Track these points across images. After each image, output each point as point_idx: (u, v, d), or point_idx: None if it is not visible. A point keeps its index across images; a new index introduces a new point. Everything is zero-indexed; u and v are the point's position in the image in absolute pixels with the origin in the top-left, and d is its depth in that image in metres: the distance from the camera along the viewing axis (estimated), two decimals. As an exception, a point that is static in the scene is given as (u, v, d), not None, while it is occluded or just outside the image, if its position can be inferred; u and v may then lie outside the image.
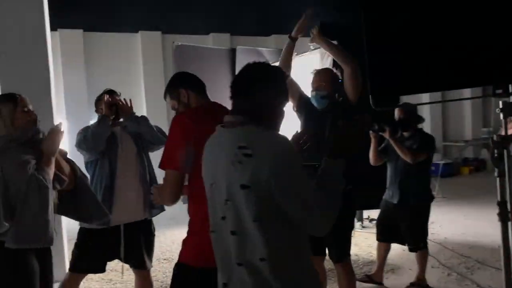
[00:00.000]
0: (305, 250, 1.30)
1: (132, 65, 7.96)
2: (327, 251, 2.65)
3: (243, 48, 6.37)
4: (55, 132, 1.95)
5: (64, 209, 2.09)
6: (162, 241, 5.17)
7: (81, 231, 2.57)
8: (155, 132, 2.70)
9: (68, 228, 3.78)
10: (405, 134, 3.36)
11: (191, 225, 1.79)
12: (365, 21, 1.41)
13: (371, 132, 3.29)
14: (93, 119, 2.79)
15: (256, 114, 1.24)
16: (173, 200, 1.73)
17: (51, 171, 1.89)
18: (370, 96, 1.39)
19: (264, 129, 1.23)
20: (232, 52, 6.21)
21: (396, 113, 3.38)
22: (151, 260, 2.81)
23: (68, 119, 7.32)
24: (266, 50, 6.14)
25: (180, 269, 1.76)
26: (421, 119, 3.52)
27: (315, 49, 3.48)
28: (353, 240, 4.61)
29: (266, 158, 1.15)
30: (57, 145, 1.94)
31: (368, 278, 3.62)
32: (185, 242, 1.81)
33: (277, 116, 1.33)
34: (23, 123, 1.92)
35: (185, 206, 1.83)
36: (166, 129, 2.19)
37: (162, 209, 2.76)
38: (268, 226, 1.18)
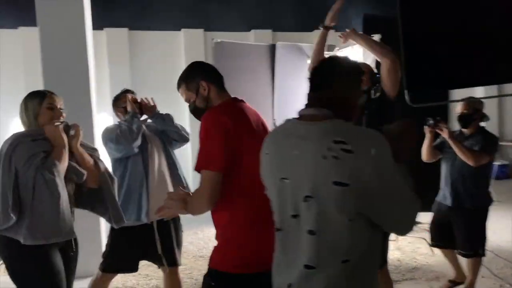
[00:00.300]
0: (378, 255, 1.30)
1: (174, 63, 8.06)
2: None
3: (283, 44, 6.25)
4: (69, 128, 1.98)
5: (83, 203, 2.11)
6: (200, 238, 5.18)
7: (113, 230, 2.58)
8: (179, 129, 2.73)
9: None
10: (465, 131, 3.13)
11: (224, 231, 1.67)
12: (402, 12, 1.30)
13: (425, 126, 3.10)
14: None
15: (338, 108, 1.19)
16: (213, 205, 1.57)
17: (63, 163, 1.90)
18: (405, 91, 1.28)
19: (353, 124, 1.20)
20: (272, 48, 6.11)
21: (459, 107, 3.14)
22: (180, 256, 2.80)
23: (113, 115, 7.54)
24: (308, 46, 5.99)
25: (217, 277, 1.65)
26: (485, 117, 3.23)
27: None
28: (396, 245, 4.41)
29: (368, 156, 1.10)
30: (59, 138, 1.94)
31: (452, 284, 3.40)
32: (220, 249, 1.69)
33: (356, 110, 1.31)
34: (46, 120, 1.94)
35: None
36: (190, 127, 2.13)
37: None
38: (359, 227, 1.14)
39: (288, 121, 1.27)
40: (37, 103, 1.95)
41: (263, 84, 6.15)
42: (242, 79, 5.91)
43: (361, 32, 2.48)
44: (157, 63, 7.93)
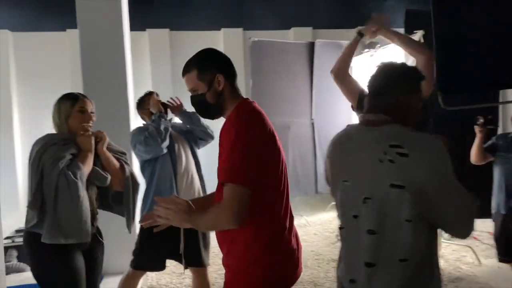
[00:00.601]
0: (436, 255, 1.32)
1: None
2: None
3: (322, 42, 6.12)
4: (94, 133, 2.01)
5: (108, 205, 2.14)
6: (235, 238, 5.17)
7: (141, 229, 2.61)
8: (206, 127, 2.72)
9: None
10: None
11: (247, 250, 1.46)
12: (435, 12, 1.23)
13: (476, 126, 2.94)
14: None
15: (398, 113, 1.25)
16: (239, 224, 1.36)
17: (87, 167, 1.93)
18: (438, 93, 1.22)
19: (412, 129, 1.24)
20: (311, 46, 6.00)
21: None
22: (208, 258, 2.77)
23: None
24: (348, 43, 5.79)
25: None
26: None
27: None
28: (438, 252, 4.17)
29: (423, 159, 1.15)
30: (89, 143, 1.99)
31: None
32: (239, 270, 1.50)
33: (417, 115, 1.34)
34: (76, 123, 1.99)
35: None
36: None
37: None
38: (418, 228, 1.19)
39: (349, 126, 1.34)
40: (69, 106, 2.00)
41: (301, 83, 6.05)
42: (279, 78, 5.85)
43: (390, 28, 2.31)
44: (197, 63, 8.01)
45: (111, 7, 3.65)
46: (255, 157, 1.38)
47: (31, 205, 1.82)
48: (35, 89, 7.28)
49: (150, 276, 3.87)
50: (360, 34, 2.35)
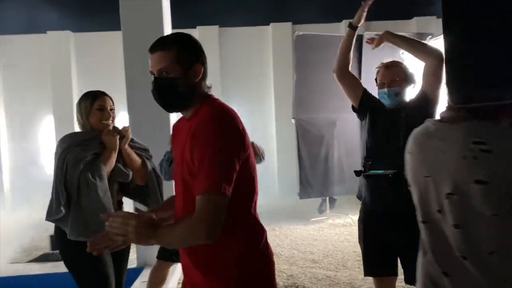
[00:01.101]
0: None
1: (262, 58, 8.13)
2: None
3: (371, 34, 5.88)
4: (120, 131, 2.08)
5: (130, 195, 2.21)
6: (276, 235, 5.16)
7: None
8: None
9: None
10: None
11: (237, 263, 1.31)
12: (444, 8, 1.15)
13: None
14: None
15: (476, 109, 1.24)
16: (215, 238, 1.19)
17: (109, 166, 2.00)
18: (447, 90, 1.15)
19: (494, 125, 1.24)
20: (359, 38, 5.78)
21: None
22: None
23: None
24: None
25: None
26: None
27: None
28: None
29: (508, 155, 1.16)
30: (114, 142, 2.04)
31: None
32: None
33: (503, 109, 1.28)
34: (96, 120, 2.06)
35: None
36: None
37: None
38: (505, 221, 1.19)
39: (428, 122, 1.34)
40: (89, 104, 2.07)
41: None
42: (324, 72, 5.66)
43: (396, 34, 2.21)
44: (245, 59, 8.06)
45: (152, 7, 3.75)
46: (237, 161, 1.24)
47: (57, 204, 1.92)
48: (94, 87, 7.71)
49: (178, 272, 3.96)
50: (353, 27, 2.25)
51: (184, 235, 1.22)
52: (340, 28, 8.23)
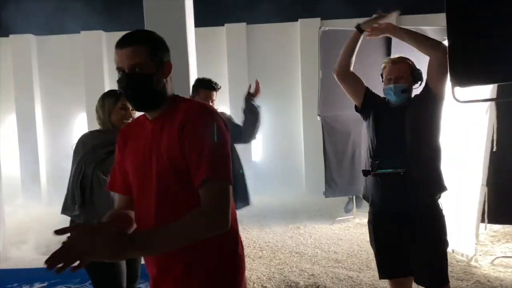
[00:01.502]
0: None
1: (290, 54, 8.06)
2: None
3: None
4: None
5: None
6: (301, 233, 5.12)
7: None
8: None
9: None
10: None
11: (219, 257, 1.29)
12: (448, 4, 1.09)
13: None
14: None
15: None
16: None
17: None
18: (452, 87, 1.09)
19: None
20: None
21: None
22: None
23: (231, 109, 7.91)
24: (430, 29, 5.34)
25: None
26: None
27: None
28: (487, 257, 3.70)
29: None
30: None
31: None
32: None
33: None
34: (118, 118, 2.12)
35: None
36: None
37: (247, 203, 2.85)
38: None
39: None
40: (113, 102, 2.14)
41: (376, 71, 5.68)
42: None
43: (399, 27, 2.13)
44: (273, 56, 8.02)
45: (175, 7, 3.79)
46: (229, 154, 1.24)
47: (71, 201, 1.98)
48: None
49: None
50: (360, 30, 2.21)
51: (198, 228, 1.14)
52: None
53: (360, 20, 2.21)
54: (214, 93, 2.78)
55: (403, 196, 2.06)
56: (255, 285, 3.51)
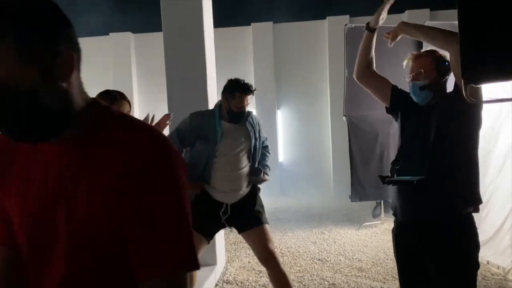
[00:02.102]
0: None
1: (318, 53, 7.86)
2: None
3: (438, 24, 5.38)
4: (160, 125, 1.98)
5: None
6: (325, 239, 4.93)
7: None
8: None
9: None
10: None
11: None
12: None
13: None
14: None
15: None
16: None
17: None
18: (463, 84, 0.94)
19: None
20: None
21: None
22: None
23: (256, 107, 7.80)
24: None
25: None
26: None
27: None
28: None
29: None
30: None
31: None
32: None
33: None
34: None
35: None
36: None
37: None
38: None
39: None
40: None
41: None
42: (380, 68, 5.31)
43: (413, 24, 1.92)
44: (300, 55, 7.85)
45: (193, 7, 3.72)
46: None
47: None
48: (153, 86, 7.96)
49: (228, 271, 3.89)
50: (370, 29, 2.02)
51: None
52: (402, 19, 7.73)
53: (392, 17, 2.05)
54: (250, 97, 2.68)
55: (420, 205, 1.86)
56: (272, 293, 3.37)
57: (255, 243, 2.73)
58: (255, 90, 2.69)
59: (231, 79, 2.69)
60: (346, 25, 5.25)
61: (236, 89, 2.62)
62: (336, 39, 7.62)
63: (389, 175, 1.95)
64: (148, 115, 2.03)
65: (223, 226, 2.79)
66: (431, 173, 1.80)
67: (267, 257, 2.65)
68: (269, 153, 2.99)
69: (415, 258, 1.95)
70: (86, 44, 8.40)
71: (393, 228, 2.07)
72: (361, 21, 6.33)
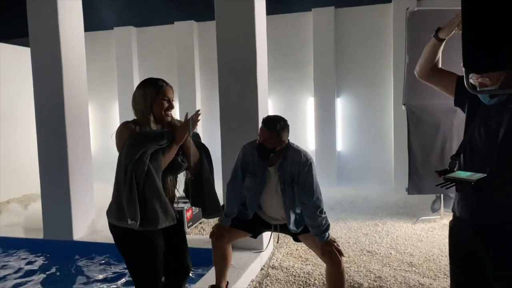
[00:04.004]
0: None
1: (382, 38, 7.54)
2: None
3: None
4: (190, 122, 2.02)
5: (186, 191, 2.20)
6: (378, 231, 4.80)
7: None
8: None
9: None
10: None
11: None
12: None
13: None
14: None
15: None
16: None
17: (168, 158, 2.00)
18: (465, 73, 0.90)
19: None
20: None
21: None
22: None
23: (315, 95, 7.70)
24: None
25: None
26: None
27: None
28: None
29: None
30: (184, 135, 2.02)
31: None
32: None
33: None
34: (159, 110, 2.07)
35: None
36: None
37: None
38: None
39: None
40: (155, 93, 2.03)
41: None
42: (445, 53, 4.98)
43: None
44: (362, 40, 7.58)
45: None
46: None
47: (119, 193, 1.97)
48: (215, 75, 8.16)
49: (275, 256, 3.95)
50: (439, 39, 1.87)
51: None
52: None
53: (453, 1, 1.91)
54: (275, 132, 2.59)
55: (480, 206, 1.75)
56: (316, 281, 3.38)
57: (312, 246, 2.81)
58: (284, 127, 2.59)
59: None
60: (407, 8, 5.01)
61: (262, 122, 2.64)
62: (402, 24, 7.24)
63: (447, 169, 1.80)
64: (187, 114, 2.09)
65: (274, 230, 2.88)
66: (495, 172, 1.66)
67: (328, 257, 2.64)
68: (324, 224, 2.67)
69: (471, 257, 1.83)
70: (153, 32, 8.73)
71: (450, 222, 1.97)
72: (429, 5, 5.94)
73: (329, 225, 2.66)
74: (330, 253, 2.60)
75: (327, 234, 2.63)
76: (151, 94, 2.06)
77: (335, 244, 2.63)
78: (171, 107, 2.10)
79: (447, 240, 4.54)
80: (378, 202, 6.24)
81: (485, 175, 1.63)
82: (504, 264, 1.72)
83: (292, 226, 2.73)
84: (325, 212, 2.67)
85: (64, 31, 4.23)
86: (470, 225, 1.81)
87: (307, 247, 4.13)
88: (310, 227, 2.66)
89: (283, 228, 2.85)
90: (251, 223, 2.86)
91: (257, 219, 2.84)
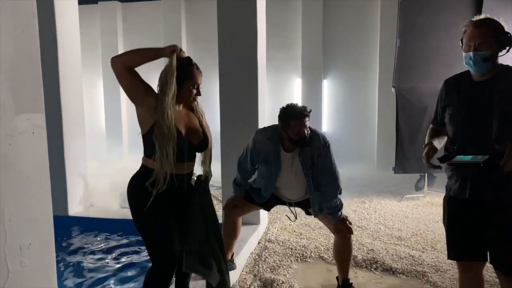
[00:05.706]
0: None
1: (368, 20, 7.65)
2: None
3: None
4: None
5: None
6: (365, 208, 5.00)
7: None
8: None
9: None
10: None
11: None
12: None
13: None
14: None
15: None
16: None
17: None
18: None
19: None
20: (479, -1, 5.07)
21: None
22: None
23: (302, 77, 7.79)
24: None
25: None
26: None
27: None
28: None
29: None
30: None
31: None
32: None
33: None
34: (186, 97, 2.06)
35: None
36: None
37: None
38: None
39: None
40: (189, 75, 1.99)
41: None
42: (435, 38, 5.15)
43: None
44: (350, 24, 7.68)
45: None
46: None
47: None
48: (202, 52, 8.12)
49: (270, 231, 4.08)
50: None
51: None
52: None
53: None
54: (306, 120, 2.51)
55: (485, 186, 1.83)
56: (312, 254, 3.54)
57: (325, 221, 2.89)
58: (310, 111, 2.54)
59: (283, 107, 2.56)
60: (400, -7, 5.11)
61: (289, 118, 2.50)
62: (390, 9, 7.37)
63: (447, 155, 1.89)
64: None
65: (290, 205, 2.95)
66: (496, 153, 1.72)
67: (341, 234, 2.74)
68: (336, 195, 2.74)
69: (468, 223, 1.93)
70: (139, 8, 8.55)
71: (445, 196, 2.05)
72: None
73: (343, 204, 2.74)
74: (342, 231, 2.70)
75: (340, 212, 2.72)
76: (188, 72, 2.02)
77: (347, 222, 2.72)
78: (199, 94, 2.09)
79: (432, 216, 4.77)
80: (363, 181, 6.46)
81: (487, 156, 1.71)
82: (501, 229, 1.83)
83: (317, 209, 2.78)
84: (341, 192, 2.74)
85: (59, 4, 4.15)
86: (472, 203, 1.89)
87: (300, 223, 4.31)
88: (327, 208, 2.73)
89: (297, 204, 2.94)
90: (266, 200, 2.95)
91: (272, 197, 2.91)
